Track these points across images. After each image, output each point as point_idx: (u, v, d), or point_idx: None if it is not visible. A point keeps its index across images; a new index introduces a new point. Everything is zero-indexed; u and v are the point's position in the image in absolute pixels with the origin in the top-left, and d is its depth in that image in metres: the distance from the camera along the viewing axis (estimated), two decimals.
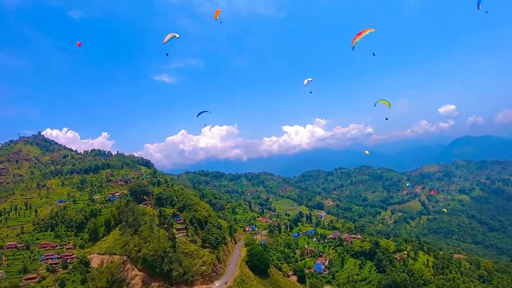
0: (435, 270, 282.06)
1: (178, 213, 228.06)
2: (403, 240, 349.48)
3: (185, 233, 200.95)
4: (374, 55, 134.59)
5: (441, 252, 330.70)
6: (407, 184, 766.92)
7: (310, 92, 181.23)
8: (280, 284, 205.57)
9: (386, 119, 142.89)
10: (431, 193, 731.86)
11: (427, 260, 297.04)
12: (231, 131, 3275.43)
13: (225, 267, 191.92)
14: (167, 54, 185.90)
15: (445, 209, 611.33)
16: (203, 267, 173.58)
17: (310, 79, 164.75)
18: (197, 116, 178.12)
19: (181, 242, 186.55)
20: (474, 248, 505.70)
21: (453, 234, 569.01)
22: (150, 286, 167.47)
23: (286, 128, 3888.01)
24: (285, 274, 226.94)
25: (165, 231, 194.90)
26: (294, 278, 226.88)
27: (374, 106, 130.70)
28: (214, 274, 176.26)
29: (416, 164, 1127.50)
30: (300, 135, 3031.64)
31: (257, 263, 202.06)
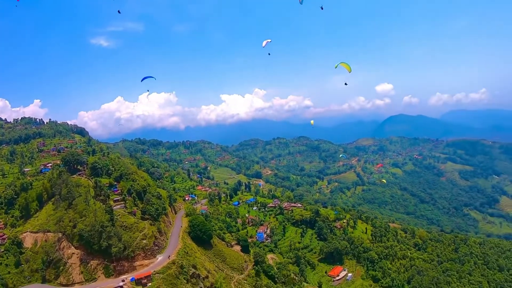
0: (374, 238, 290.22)
1: (115, 183, 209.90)
2: (342, 209, 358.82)
3: (123, 205, 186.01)
4: (322, 8, 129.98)
5: (378, 221, 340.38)
6: (341, 155, 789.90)
7: (269, 54, 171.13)
8: (224, 255, 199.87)
9: (346, 84, 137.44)
10: (377, 166, 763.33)
11: (366, 228, 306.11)
12: (169, 99, 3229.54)
13: (167, 239, 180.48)
14: (119, 11, 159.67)
15: (384, 180, 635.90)
16: (144, 241, 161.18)
17: (269, 40, 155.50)
18: (141, 81, 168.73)
19: (119, 215, 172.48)
20: (406, 218, 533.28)
21: (386, 204, 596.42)
22: (89, 265, 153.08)
23: (224, 97, 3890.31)
24: (229, 244, 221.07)
25: (101, 204, 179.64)
26: (238, 248, 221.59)
27: (335, 67, 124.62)
28: (156, 247, 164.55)
29: (352, 138, 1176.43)
30: (239, 104, 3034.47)
31: (200, 234, 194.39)
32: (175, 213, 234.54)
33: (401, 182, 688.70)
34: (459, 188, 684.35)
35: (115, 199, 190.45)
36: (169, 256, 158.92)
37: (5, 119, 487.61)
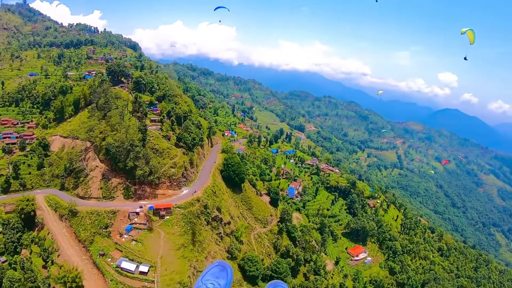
0: (402, 229, 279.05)
1: (156, 102, 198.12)
2: (379, 188, 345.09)
3: (159, 127, 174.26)
4: (376, 1, 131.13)
5: (410, 212, 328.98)
6: (383, 130, 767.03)
7: (376, 0, 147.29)
8: (252, 203, 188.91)
9: (465, 58, 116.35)
10: (443, 162, 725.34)
11: (397, 216, 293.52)
12: (228, 33, 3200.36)
13: (197, 172, 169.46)
14: None
15: (432, 171, 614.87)
16: (173, 170, 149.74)
17: None
18: (214, 10, 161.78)
19: (152, 136, 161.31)
20: (433, 216, 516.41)
21: (418, 196, 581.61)
22: (110, 182, 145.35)
23: (284, 42, 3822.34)
24: (258, 193, 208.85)
25: (137, 121, 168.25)
26: (267, 198, 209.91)
27: (462, 34, 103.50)
28: (184, 179, 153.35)
29: (401, 117, 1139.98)
30: (296, 53, 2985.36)
31: (232, 175, 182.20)
32: (212, 146, 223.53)
33: (438, 179, 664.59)
34: (493, 205, 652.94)
35: (152, 118, 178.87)
36: (195, 191, 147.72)
37: (61, 23, 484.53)
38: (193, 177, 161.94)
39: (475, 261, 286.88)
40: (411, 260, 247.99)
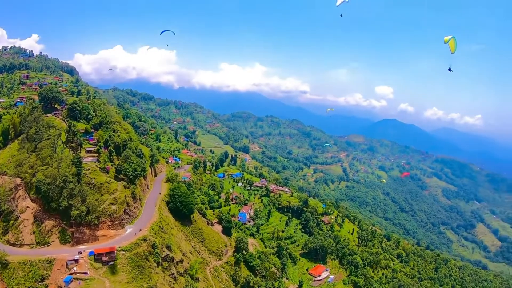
0: (360, 241, 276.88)
1: (92, 130, 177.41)
2: (331, 203, 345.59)
3: (96, 158, 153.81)
4: (341, 16, 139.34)
5: (364, 224, 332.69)
6: (325, 144, 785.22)
7: (341, 15, 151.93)
8: (204, 234, 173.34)
9: (450, 70, 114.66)
10: (403, 175, 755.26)
11: (353, 229, 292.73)
12: (168, 56, 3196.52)
13: (141, 207, 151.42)
14: None
15: (384, 180, 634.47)
16: (113, 207, 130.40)
17: (346, 0, 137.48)
18: (160, 34, 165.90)
19: (88, 169, 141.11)
20: (384, 223, 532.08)
21: (367, 205, 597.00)
22: (43, 225, 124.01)
23: (224, 65, 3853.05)
24: (209, 222, 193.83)
25: (71, 152, 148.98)
26: (219, 227, 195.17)
27: (445, 43, 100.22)
28: (127, 216, 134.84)
29: (343, 131, 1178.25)
30: (237, 75, 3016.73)
31: (180, 207, 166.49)
32: (155, 175, 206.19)
33: (385, 187, 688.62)
34: (440, 205, 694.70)
35: (88, 149, 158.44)
36: (141, 229, 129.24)
37: None
38: (137, 212, 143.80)
39: (434, 262, 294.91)
40: (373, 271, 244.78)
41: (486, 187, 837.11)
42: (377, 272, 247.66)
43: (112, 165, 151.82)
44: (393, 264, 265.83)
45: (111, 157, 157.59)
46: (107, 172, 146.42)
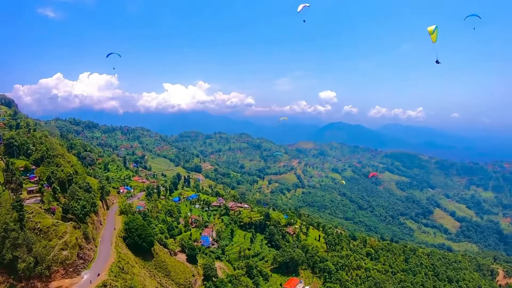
0: (328, 247, 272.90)
1: (33, 167, 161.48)
2: (293, 213, 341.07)
3: (39, 198, 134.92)
4: (304, 21, 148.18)
5: (331, 229, 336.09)
6: (275, 153, 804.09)
7: (304, 21, 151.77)
8: (168, 267, 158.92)
9: (437, 62, 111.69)
10: (371, 175, 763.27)
11: (319, 236, 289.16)
12: (110, 81, 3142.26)
13: (96, 247, 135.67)
14: None
15: (343, 181, 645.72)
16: (65, 252, 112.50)
17: (307, 5, 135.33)
18: (107, 56, 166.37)
19: (32, 213, 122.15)
20: (345, 223, 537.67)
21: (326, 208, 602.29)
22: None
23: (167, 85, 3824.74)
24: (172, 252, 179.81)
25: (10, 195, 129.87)
26: (183, 256, 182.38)
27: (431, 34, 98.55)
28: (81, 261, 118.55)
29: (291, 140, 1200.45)
30: (181, 95, 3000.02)
31: (138, 241, 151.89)
32: (107, 208, 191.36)
33: (340, 188, 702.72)
34: (396, 197, 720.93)
35: (29, 189, 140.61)
36: (99, 274, 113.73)
37: None
38: (93, 255, 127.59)
39: (403, 254, 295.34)
40: (347, 274, 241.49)
41: (437, 174, 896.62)
42: (350, 274, 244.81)
43: (58, 205, 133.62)
44: (364, 263, 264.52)
45: (56, 195, 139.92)
46: (53, 213, 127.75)
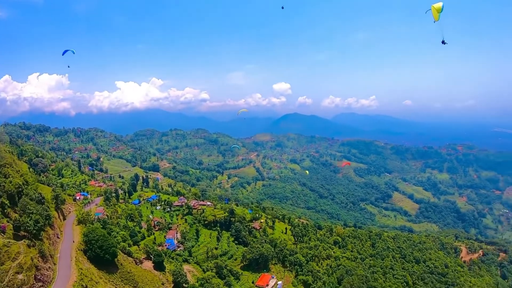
0: (296, 239, 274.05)
1: None
2: (257, 207, 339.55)
3: None
4: (282, 8, 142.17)
5: (296, 220, 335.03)
6: (233, 146, 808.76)
7: (282, 7, 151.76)
8: (135, 278, 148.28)
9: (443, 42, 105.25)
10: (344, 164, 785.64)
11: (286, 228, 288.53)
12: (60, 81, 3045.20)
13: (55, 264, 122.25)
14: None
15: (307, 171, 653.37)
16: (20, 276, 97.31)
17: None
18: (63, 54, 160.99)
19: None
20: (308, 212, 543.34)
21: (287, 199, 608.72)
22: None
23: (120, 84, 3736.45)
24: (137, 261, 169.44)
25: None
26: (149, 264, 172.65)
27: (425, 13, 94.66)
28: (40, 284, 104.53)
29: (247, 133, 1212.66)
30: (134, 93, 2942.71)
31: (101, 253, 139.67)
32: (64, 219, 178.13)
33: (300, 178, 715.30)
34: (355, 184, 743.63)
35: None
36: None
37: None
38: (52, 274, 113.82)
39: (369, 239, 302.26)
40: (317, 265, 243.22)
41: (393, 159, 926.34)
42: (321, 264, 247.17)
43: (8, 221, 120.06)
44: (333, 252, 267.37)
45: (5, 210, 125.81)
46: (3, 232, 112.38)
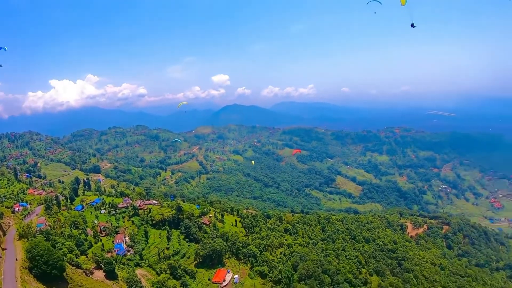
0: (247, 230, 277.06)
1: None
2: (204, 201, 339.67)
3: None
4: None
5: (245, 211, 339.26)
6: (174, 140, 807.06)
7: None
8: None
9: (413, 25, 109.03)
10: (295, 152, 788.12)
11: (235, 221, 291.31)
12: None
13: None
14: None
15: (253, 161, 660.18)
16: None
17: None
18: None
19: None
20: (254, 202, 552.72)
21: (233, 191, 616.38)
22: None
23: (54, 82, 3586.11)
24: (88, 272, 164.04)
25: None
26: (100, 274, 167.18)
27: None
28: None
29: (188, 127, 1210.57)
30: (69, 91, 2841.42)
31: (47, 269, 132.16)
32: (4, 234, 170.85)
33: (243, 169, 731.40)
34: (299, 171, 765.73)
35: None
36: None
37: None
38: None
39: (318, 224, 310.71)
40: (271, 254, 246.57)
41: (334, 144, 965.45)
42: (275, 253, 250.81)
43: None
44: (285, 240, 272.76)
45: None
46: None
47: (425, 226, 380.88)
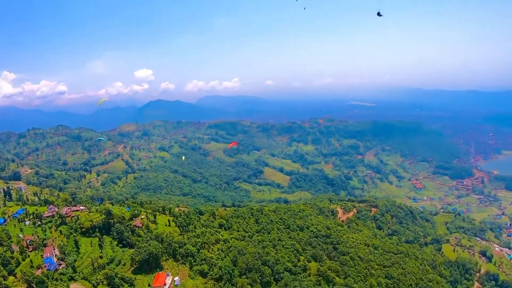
0: (181, 229, 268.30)
1: None
2: (134, 202, 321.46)
3: None
4: None
5: (177, 209, 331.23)
6: (98, 138, 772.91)
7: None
8: None
9: (379, 14, 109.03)
10: (231, 145, 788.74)
11: (168, 220, 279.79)
12: None
13: None
14: None
15: (183, 157, 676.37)
16: None
17: None
18: None
19: None
20: (184, 199, 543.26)
21: (161, 189, 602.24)
22: None
23: None
24: None
25: None
26: None
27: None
28: None
29: (112, 125, 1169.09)
30: None
31: None
32: None
33: (171, 165, 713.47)
34: (226, 165, 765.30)
35: None
36: None
37: None
38: None
39: (251, 216, 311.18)
40: (209, 251, 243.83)
41: (260, 137, 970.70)
42: (212, 250, 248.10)
43: None
44: (221, 235, 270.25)
45: None
46: None
47: (354, 210, 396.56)
